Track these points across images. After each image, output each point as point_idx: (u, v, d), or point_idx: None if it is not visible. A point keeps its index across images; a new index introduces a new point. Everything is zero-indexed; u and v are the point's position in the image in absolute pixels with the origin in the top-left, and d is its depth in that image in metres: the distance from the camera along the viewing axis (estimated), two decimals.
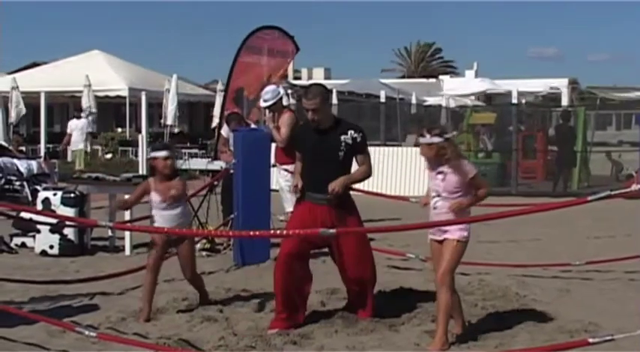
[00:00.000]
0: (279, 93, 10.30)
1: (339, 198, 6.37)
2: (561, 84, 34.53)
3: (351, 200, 6.59)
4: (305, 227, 6.29)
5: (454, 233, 5.87)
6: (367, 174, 6.53)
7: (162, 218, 6.77)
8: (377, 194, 10.74)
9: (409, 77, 56.69)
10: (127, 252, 9.97)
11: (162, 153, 6.77)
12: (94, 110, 26.51)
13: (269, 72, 12.59)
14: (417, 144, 6.13)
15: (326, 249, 10.26)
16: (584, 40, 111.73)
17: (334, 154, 6.40)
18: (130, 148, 26.76)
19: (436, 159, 5.89)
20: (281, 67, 12.90)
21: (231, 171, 9.83)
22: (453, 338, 6.11)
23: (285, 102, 10.91)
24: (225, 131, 10.97)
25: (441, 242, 5.97)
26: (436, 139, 5.83)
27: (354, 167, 6.60)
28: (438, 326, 5.93)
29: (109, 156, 26.97)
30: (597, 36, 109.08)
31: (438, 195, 5.92)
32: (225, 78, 13.04)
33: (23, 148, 19.78)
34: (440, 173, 5.89)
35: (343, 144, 6.40)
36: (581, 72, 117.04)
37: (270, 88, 10.51)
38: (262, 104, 10.50)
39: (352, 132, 6.44)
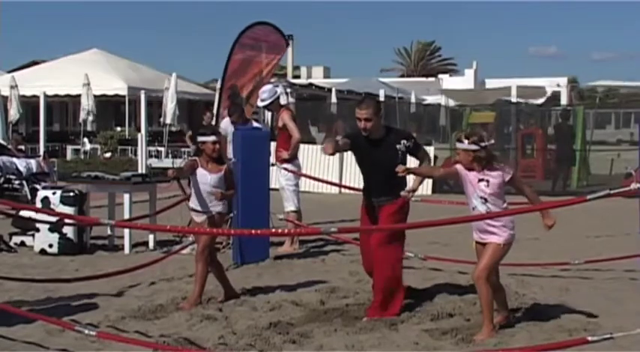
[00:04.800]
0: (276, 92, 10.46)
1: (388, 201, 6.91)
2: (560, 83, 34.54)
3: (402, 201, 6.95)
4: (363, 225, 7.11)
5: (499, 237, 6.09)
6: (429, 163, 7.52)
7: (207, 194, 7.19)
8: None
9: (409, 76, 56.65)
10: (127, 250, 9.96)
11: (212, 138, 7.25)
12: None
13: (263, 68, 12.59)
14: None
15: (325, 248, 10.34)
16: (589, 39, 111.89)
17: (391, 163, 6.70)
18: (130, 147, 26.72)
19: (473, 165, 6.10)
20: (274, 63, 12.89)
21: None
22: (452, 336, 6.12)
23: (284, 101, 10.93)
24: (223, 127, 10.97)
25: (483, 244, 6.18)
26: (472, 146, 6.06)
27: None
28: (483, 318, 6.11)
29: (108, 154, 26.94)
30: (603, 34, 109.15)
31: (485, 201, 6.10)
32: None
33: (22, 147, 19.73)
34: (481, 180, 6.11)
35: (399, 152, 6.89)
36: (585, 70, 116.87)
37: (267, 87, 10.69)
38: (260, 103, 10.65)
39: (405, 141, 6.94)
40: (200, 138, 7.35)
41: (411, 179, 7.12)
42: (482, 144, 6.09)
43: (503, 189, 6.17)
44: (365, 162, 7.06)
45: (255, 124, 10.69)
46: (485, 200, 6.11)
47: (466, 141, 6.11)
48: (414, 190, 7.04)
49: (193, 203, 7.32)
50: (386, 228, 6.93)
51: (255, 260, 9.22)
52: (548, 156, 20.98)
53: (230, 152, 9.79)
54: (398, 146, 6.89)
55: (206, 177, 7.21)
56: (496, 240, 6.11)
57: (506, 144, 20.77)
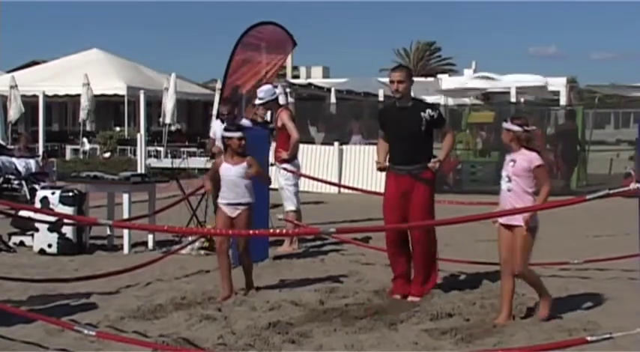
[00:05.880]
0: (274, 92, 10.45)
1: (420, 170, 7.34)
2: (559, 83, 34.52)
3: (432, 172, 7.41)
4: (391, 196, 7.41)
5: (520, 220, 6.35)
6: (452, 140, 7.71)
7: (233, 186, 7.46)
8: (377, 193, 10.71)
9: None
10: (126, 250, 9.95)
11: (238, 134, 7.52)
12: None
13: (266, 68, 12.58)
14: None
15: (325, 248, 10.33)
16: (589, 39, 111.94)
17: (416, 129, 7.34)
18: (129, 147, 26.70)
19: (511, 145, 6.50)
20: (278, 63, 12.87)
21: None
22: (452, 335, 6.11)
23: (283, 101, 10.93)
24: (213, 129, 10.98)
25: (507, 227, 6.45)
26: (514, 127, 6.44)
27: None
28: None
29: (107, 154, 26.93)
30: (603, 34, 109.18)
31: (508, 179, 6.46)
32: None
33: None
34: (512, 160, 6.48)
35: (423, 120, 7.35)
36: (584, 70, 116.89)
37: (265, 87, 10.69)
38: (257, 102, 10.63)
39: (429, 110, 7.45)
40: (226, 134, 7.61)
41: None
42: (523, 127, 6.45)
43: (531, 175, 6.40)
44: (392, 129, 7.49)
45: (245, 121, 10.62)
46: (509, 178, 6.43)
47: (510, 122, 6.52)
48: (440, 161, 7.42)
49: (221, 197, 7.57)
50: (389, 228, 7.38)
51: (254, 260, 9.19)
52: (549, 156, 20.97)
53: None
54: (422, 114, 7.35)
55: (230, 170, 7.49)
56: (519, 224, 6.32)
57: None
